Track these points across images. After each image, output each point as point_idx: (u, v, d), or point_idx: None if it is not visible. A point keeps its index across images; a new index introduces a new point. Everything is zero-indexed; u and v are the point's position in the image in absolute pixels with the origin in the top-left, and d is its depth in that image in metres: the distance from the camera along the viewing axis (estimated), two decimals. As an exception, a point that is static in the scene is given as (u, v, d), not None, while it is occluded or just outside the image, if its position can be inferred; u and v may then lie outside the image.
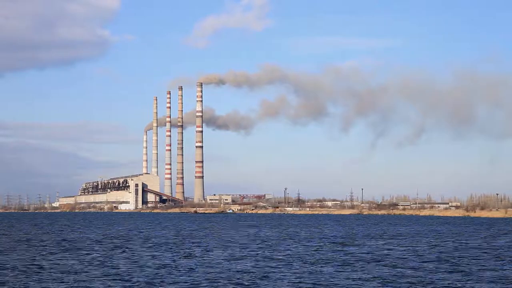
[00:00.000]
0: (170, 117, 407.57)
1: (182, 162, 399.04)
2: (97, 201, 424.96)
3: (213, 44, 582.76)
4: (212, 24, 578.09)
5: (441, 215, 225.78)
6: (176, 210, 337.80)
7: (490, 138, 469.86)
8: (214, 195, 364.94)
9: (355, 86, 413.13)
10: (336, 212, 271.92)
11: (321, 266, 43.22)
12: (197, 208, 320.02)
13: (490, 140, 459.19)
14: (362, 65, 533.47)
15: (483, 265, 44.38)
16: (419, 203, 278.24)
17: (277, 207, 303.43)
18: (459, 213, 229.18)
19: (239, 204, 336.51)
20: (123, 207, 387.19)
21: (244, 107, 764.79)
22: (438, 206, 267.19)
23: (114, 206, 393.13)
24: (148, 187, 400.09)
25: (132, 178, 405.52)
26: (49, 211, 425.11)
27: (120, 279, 36.42)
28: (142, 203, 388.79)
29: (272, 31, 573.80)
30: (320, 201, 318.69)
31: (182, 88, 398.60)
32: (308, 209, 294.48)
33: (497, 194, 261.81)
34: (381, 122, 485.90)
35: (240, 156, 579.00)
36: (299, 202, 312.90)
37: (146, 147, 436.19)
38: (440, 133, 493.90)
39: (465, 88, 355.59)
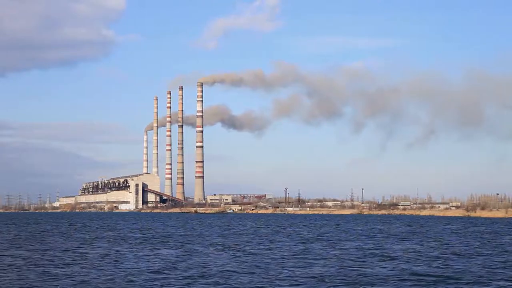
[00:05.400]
0: (170, 117, 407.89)
1: (183, 162, 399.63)
2: (97, 201, 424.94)
3: (221, 45, 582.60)
4: (222, 25, 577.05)
5: (442, 215, 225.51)
6: (177, 210, 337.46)
7: (498, 139, 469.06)
8: (215, 195, 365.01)
9: (365, 87, 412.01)
10: (337, 212, 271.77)
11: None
12: (198, 208, 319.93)
13: (497, 141, 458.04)
14: (371, 65, 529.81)
15: None
16: (419, 203, 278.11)
17: (277, 207, 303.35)
18: (460, 213, 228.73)
19: (239, 204, 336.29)
20: (123, 207, 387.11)
21: (256, 106, 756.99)
22: (439, 206, 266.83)
23: (115, 206, 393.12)
24: (149, 187, 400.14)
25: (133, 178, 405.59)
26: (49, 211, 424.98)
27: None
28: (143, 203, 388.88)
29: (281, 32, 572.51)
30: (320, 201, 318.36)
31: (182, 88, 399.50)
32: (308, 209, 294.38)
33: (498, 194, 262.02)
34: (391, 123, 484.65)
35: (241, 156, 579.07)
36: (300, 202, 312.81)
37: (147, 147, 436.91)
38: (447, 134, 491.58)
39: (473, 89, 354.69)
